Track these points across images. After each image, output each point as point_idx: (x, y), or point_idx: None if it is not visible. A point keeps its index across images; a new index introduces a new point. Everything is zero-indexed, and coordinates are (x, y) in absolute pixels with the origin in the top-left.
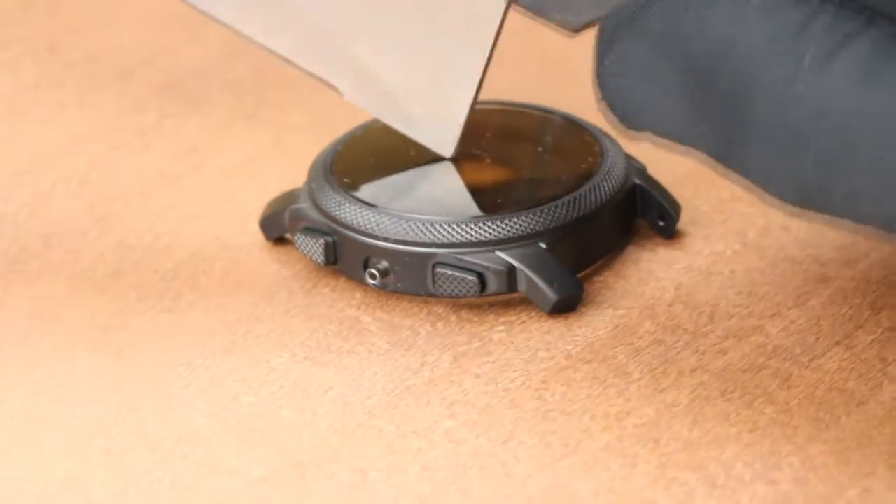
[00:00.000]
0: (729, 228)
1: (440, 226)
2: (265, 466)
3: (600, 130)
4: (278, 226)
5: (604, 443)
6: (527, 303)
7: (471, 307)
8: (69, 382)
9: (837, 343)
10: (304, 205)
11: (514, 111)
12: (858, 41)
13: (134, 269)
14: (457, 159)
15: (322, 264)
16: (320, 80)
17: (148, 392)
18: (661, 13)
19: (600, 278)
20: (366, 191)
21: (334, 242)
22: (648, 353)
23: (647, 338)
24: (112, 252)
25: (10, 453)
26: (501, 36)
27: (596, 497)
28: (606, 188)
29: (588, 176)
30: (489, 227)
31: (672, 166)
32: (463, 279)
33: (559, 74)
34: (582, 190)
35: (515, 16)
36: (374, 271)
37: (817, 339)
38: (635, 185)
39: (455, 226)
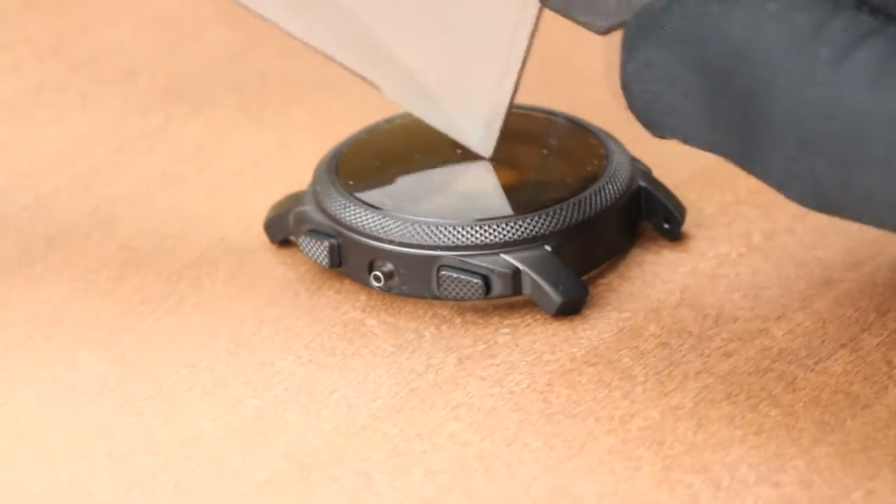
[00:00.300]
0: (734, 231)
1: (445, 228)
2: (269, 469)
3: (605, 133)
4: (283, 228)
5: (608, 445)
6: (531, 305)
7: (475, 310)
8: (73, 385)
9: (843, 346)
10: (309, 207)
11: (519, 114)
12: (872, 44)
13: (138, 271)
14: (461, 162)
15: (327, 267)
16: (362, 77)
17: (152, 394)
18: (679, 18)
19: (605, 281)
20: (370, 193)
21: (339, 245)
22: (653, 355)
23: (652, 341)
24: (116, 254)
25: (14, 455)
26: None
27: (600, 499)
28: (611, 191)
29: (593, 179)
30: (494, 229)
31: (677, 169)
32: (468, 282)
33: (564, 76)
34: (587, 193)
35: None
36: (378, 274)
37: (823, 341)
38: (640, 187)
39: (460, 228)
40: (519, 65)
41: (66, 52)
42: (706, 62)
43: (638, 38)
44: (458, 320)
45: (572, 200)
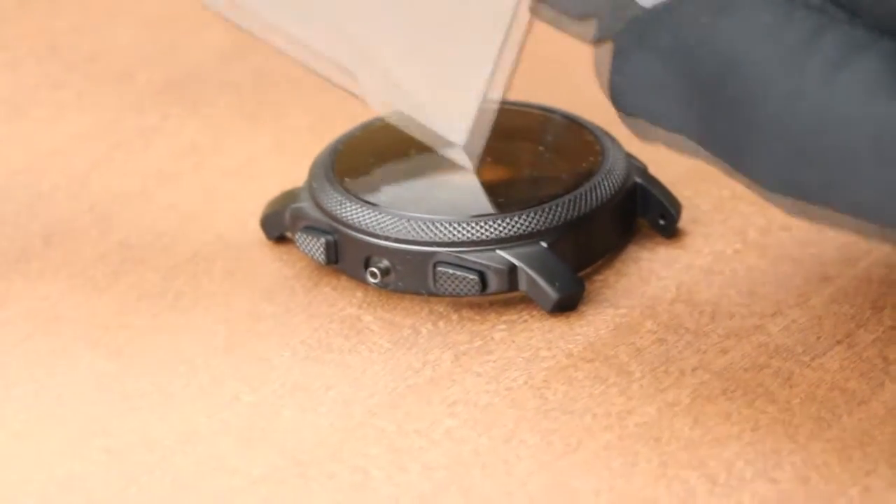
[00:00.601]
0: (730, 227)
1: (441, 225)
2: (266, 465)
3: (601, 129)
4: (279, 225)
5: (605, 441)
6: (528, 302)
7: (472, 306)
8: (70, 382)
9: (839, 342)
10: (305, 204)
11: (515, 110)
12: (863, 59)
13: (135, 268)
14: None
15: (323, 263)
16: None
17: (149, 391)
18: (671, 28)
19: (601, 277)
20: (366, 190)
21: (335, 241)
22: (650, 352)
23: (649, 337)
24: (113, 252)
25: (11, 453)
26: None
27: (597, 495)
28: (607, 187)
29: (589, 175)
30: (490, 225)
31: (673, 165)
32: (464, 278)
33: (560, 73)
34: (583, 189)
35: None
36: (375, 270)
37: (818, 338)
38: (636, 183)
39: (456, 225)
40: (505, 74)
41: (63, 51)
42: (697, 73)
43: (628, 49)
44: (454, 317)
45: (568, 197)
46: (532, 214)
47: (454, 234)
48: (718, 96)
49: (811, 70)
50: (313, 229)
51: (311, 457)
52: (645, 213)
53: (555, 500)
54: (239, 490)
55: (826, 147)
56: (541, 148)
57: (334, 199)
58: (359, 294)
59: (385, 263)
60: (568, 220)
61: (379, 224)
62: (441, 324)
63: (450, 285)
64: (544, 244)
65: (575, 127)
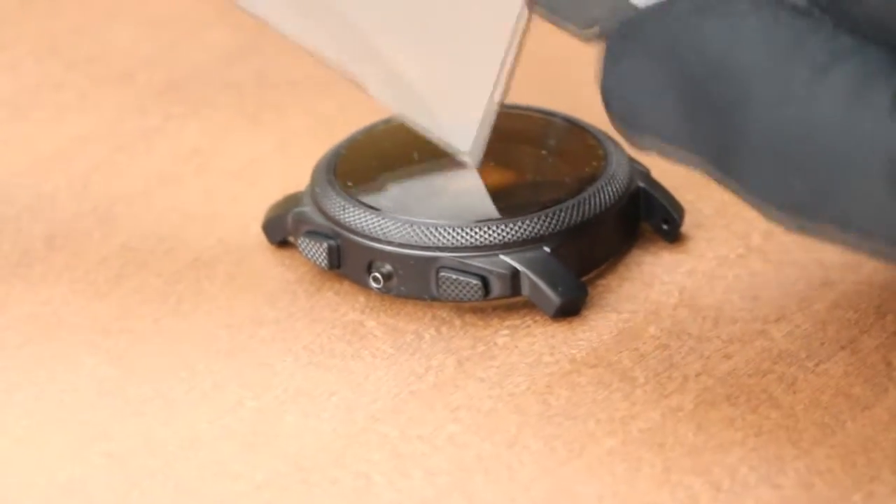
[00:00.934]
0: (733, 232)
1: (444, 229)
2: (268, 471)
3: (604, 133)
4: (281, 229)
5: (608, 447)
6: (531, 307)
7: (475, 311)
8: (71, 386)
9: (843, 347)
10: (308, 208)
11: (517, 114)
12: (849, 64)
13: (137, 272)
14: (461, 163)
15: (326, 268)
16: (351, 79)
17: (151, 396)
18: (660, 30)
19: (604, 282)
20: (369, 194)
21: (338, 246)
22: (653, 357)
23: (652, 342)
24: (115, 255)
25: (13, 457)
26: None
27: (600, 501)
28: (610, 192)
29: (592, 179)
30: (493, 230)
31: (676, 169)
32: (467, 283)
33: (562, 77)
34: (586, 193)
35: None
36: (377, 275)
37: (822, 343)
38: (639, 188)
39: (459, 229)
40: (505, 76)
41: (64, 51)
42: (685, 76)
43: (617, 51)
44: (457, 322)
45: (571, 201)
46: (535, 219)
47: (457, 239)
48: (706, 101)
49: (796, 75)
50: (315, 234)
51: (313, 462)
52: (648, 217)
53: None
54: (241, 495)
55: (812, 154)
56: (543, 152)
57: (337, 204)
58: (361, 299)
59: (388, 268)
60: (571, 225)
61: (381, 229)
62: (444, 329)
63: (453, 290)
64: (547, 249)
65: (577, 131)
